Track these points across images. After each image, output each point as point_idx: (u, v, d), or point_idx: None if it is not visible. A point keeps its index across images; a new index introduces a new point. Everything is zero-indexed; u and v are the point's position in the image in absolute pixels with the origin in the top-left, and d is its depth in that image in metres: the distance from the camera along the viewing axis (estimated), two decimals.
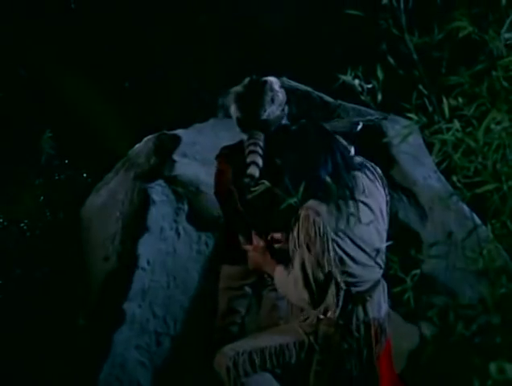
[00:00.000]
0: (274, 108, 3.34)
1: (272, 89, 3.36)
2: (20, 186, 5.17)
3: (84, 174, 5.48)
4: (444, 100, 1.90)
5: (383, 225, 2.92)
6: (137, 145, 4.38)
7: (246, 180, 3.23)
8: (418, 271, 1.90)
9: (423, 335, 2.81)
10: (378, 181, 2.95)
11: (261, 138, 3.31)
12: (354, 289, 2.89)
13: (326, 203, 2.82)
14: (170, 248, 4.02)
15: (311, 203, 2.82)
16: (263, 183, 2.53)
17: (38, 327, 4.06)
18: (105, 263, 4.05)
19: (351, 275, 2.87)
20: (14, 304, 4.32)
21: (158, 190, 4.07)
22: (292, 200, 2.39)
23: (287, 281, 2.92)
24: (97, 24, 6.44)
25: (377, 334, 2.91)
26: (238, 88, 3.42)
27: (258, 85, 3.38)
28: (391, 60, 1.84)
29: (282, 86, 3.50)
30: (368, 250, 2.86)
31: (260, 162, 3.28)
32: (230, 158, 3.40)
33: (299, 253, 2.82)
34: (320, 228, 2.77)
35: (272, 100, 3.35)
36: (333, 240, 2.79)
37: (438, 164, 2.03)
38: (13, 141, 5.88)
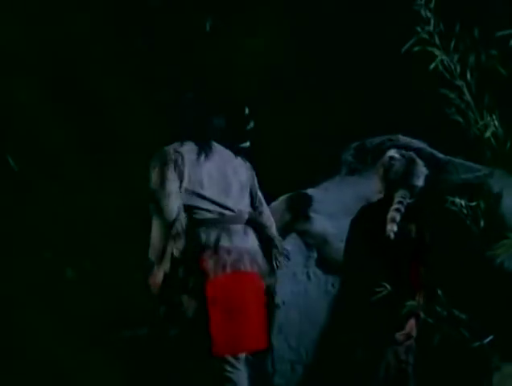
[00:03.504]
0: (421, 181, 3.76)
1: (419, 164, 3.80)
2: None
3: None
4: None
5: None
6: (273, 203, 4.59)
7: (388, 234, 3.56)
8: None
9: None
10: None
11: (407, 197, 3.66)
12: None
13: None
14: (301, 290, 4.43)
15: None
16: None
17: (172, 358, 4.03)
18: None
19: None
20: None
21: (290, 242, 4.43)
22: None
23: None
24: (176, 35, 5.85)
25: None
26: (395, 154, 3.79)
27: (410, 158, 3.79)
28: None
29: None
30: None
31: (398, 219, 3.60)
32: (366, 215, 3.77)
33: None
34: None
35: (421, 173, 3.77)
36: None
37: None
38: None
